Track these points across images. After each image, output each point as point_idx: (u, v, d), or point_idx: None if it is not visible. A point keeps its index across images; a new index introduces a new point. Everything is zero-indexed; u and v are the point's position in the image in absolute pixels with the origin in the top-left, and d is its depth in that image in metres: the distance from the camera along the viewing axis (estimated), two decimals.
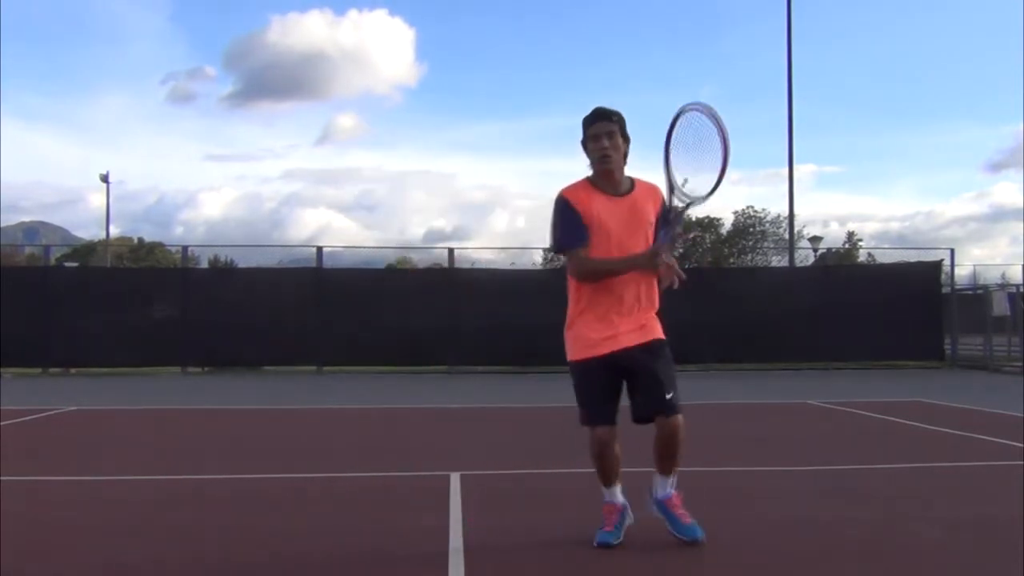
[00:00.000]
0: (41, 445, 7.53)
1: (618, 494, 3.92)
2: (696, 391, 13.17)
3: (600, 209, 3.78)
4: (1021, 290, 19.68)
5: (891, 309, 18.54)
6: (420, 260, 29.76)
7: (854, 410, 9.95)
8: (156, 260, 45.77)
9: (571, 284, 3.94)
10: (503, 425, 9.25)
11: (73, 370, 18.04)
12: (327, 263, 19.57)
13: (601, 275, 3.80)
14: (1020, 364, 17.44)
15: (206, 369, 18.34)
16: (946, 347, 19.47)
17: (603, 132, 3.76)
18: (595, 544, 3.76)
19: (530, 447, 7.40)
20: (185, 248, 20.51)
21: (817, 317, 18.58)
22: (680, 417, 3.78)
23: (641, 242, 3.80)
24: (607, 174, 3.81)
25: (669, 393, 3.76)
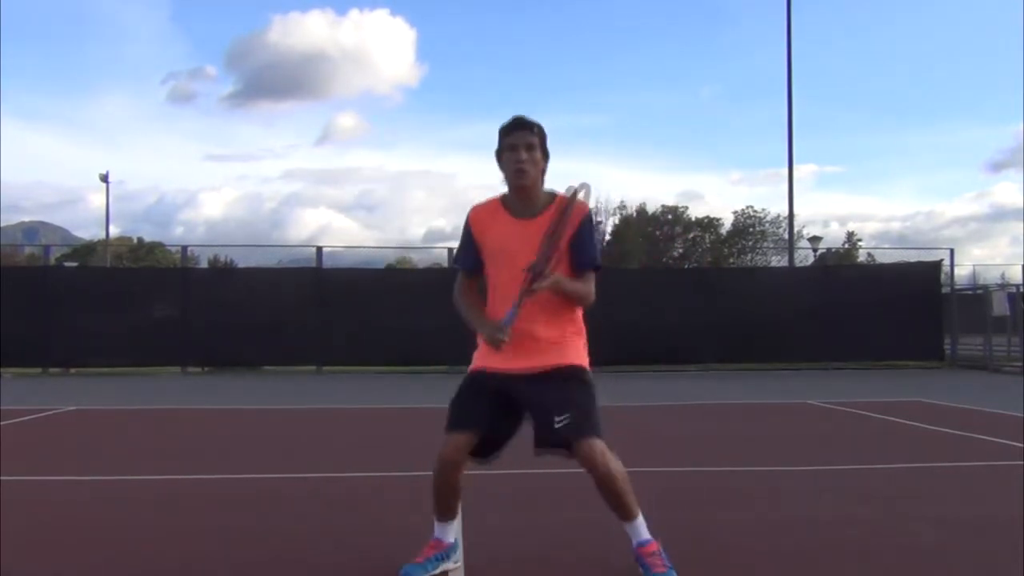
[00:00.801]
0: (41, 445, 7.53)
1: (449, 533, 3.55)
2: (696, 391, 13.20)
3: (501, 233, 3.38)
4: (1021, 290, 19.68)
5: (891, 309, 18.54)
6: (420, 260, 29.80)
7: (854, 410, 9.95)
8: (156, 260, 45.79)
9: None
10: None
11: (73, 370, 18.05)
12: (327, 263, 19.58)
13: (462, 315, 3.58)
14: (1020, 364, 17.44)
15: (206, 369, 18.35)
16: (946, 347, 19.47)
17: (521, 143, 3.32)
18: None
19: (530, 447, 7.37)
20: (185, 248, 20.54)
21: (817, 317, 18.59)
22: (589, 443, 3.27)
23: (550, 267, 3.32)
24: (521, 191, 3.37)
25: (558, 420, 3.31)
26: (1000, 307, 18.86)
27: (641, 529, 3.36)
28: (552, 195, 3.42)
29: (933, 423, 8.73)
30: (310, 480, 5.75)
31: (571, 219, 3.34)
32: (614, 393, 12.70)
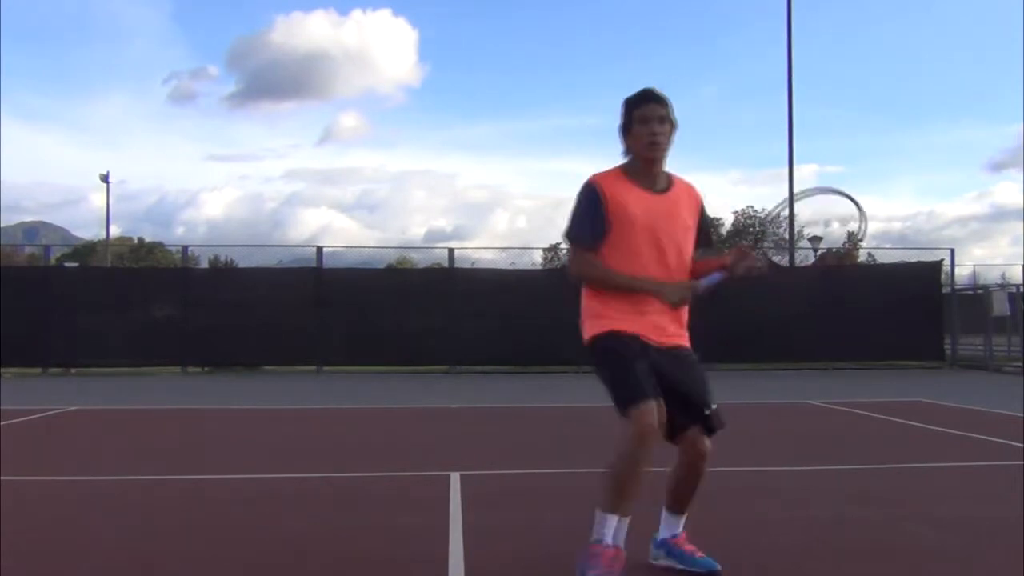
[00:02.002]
0: (41, 445, 7.53)
1: (623, 531, 3.24)
2: None
3: (635, 203, 3.29)
4: (1021, 290, 19.68)
5: (891, 309, 18.54)
6: (420, 260, 29.78)
7: (854, 410, 9.95)
8: (156, 260, 45.82)
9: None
10: (503, 425, 9.24)
11: (73, 370, 18.04)
12: (328, 263, 19.57)
13: (608, 286, 3.33)
14: (1020, 364, 17.44)
15: (206, 369, 18.34)
16: (946, 347, 19.47)
17: (654, 116, 3.26)
18: None
19: (530, 447, 7.39)
20: (185, 248, 20.54)
21: (817, 317, 18.58)
22: (713, 439, 3.32)
23: (675, 249, 3.35)
24: (649, 164, 3.32)
25: (710, 407, 3.30)
26: (1000, 307, 18.85)
27: (684, 519, 3.48)
28: (669, 175, 3.42)
29: (933, 423, 8.73)
30: (310, 480, 5.75)
31: (694, 195, 3.45)
32: None
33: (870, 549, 3.86)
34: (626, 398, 3.18)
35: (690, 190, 3.47)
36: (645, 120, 3.27)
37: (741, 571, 3.59)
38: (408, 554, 3.81)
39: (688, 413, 3.30)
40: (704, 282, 3.38)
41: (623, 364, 3.23)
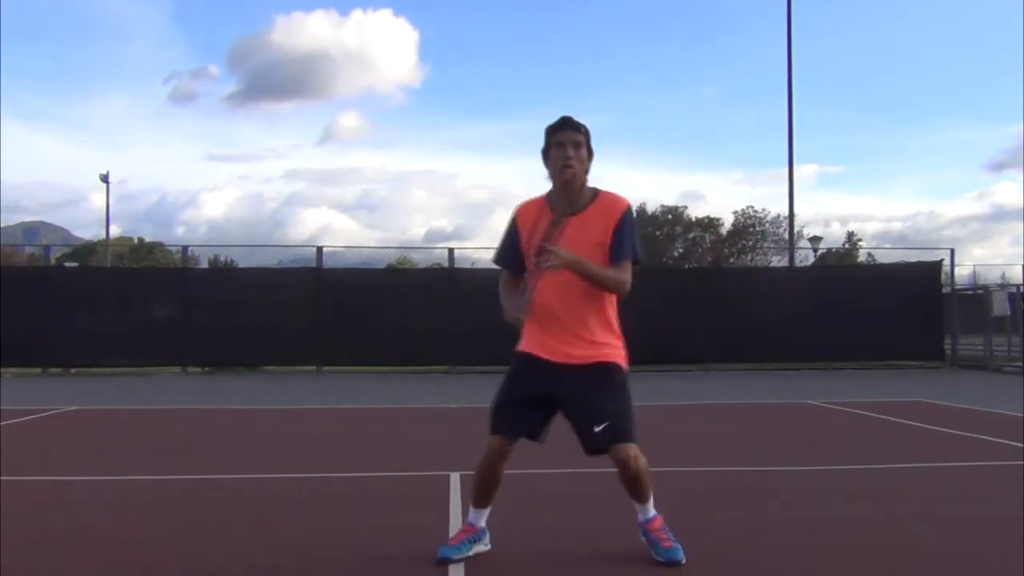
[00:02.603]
0: (41, 445, 7.53)
1: (482, 518, 3.74)
2: (696, 391, 13.20)
3: (540, 228, 3.54)
4: (1021, 290, 19.67)
5: (891, 309, 18.54)
6: (420, 260, 29.78)
7: (854, 410, 9.95)
8: (156, 260, 45.80)
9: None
10: None
11: (73, 370, 18.04)
12: (328, 263, 19.57)
13: (502, 298, 3.73)
14: (1020, 364, 17.44)
15: (206, 369, 18.34)
16: (946, 347, 19.47)
17: (569, 140, 3.49)
18: (436, 558, 3.59)
19: (530, 447, 7.37)
20: (185, 248, 20.53)
21: (817, 317, 18.58)
22: (623, 448, 3.50)
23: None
24: (566, 186, 3.52)
25: (599, 425, 3.49)
26: (1000, 307, 18.85)
27: (649, 507, 3.67)
28: (595, 191, 3.59)
29: (933, 423, 8.73)
30: (310, 480, 5.75)
31: (612, 211, 3.53)
32: None
33: (870, 549, 3.86)
34: (490, 423, 3.71)
35: (611, 207, 3.56)
36: (560, 145, 3.50)
37: (741, 571, 3.60)
38: (408, 554, 3.81)
39: (582, 431, 3.57)
40: (522, 297, 3.60)
41: (503, 393, 3.68)
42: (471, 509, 3.75)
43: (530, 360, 3.59)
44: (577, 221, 3.52)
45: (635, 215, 3.70)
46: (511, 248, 3.66)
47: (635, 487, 3.60)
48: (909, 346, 18.96)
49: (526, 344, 3.63)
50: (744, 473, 5.93)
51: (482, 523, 3.75)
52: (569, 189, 3.54)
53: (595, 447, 3.54)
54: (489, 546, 3.78)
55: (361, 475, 5.92)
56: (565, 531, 4.28)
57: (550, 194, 3.62)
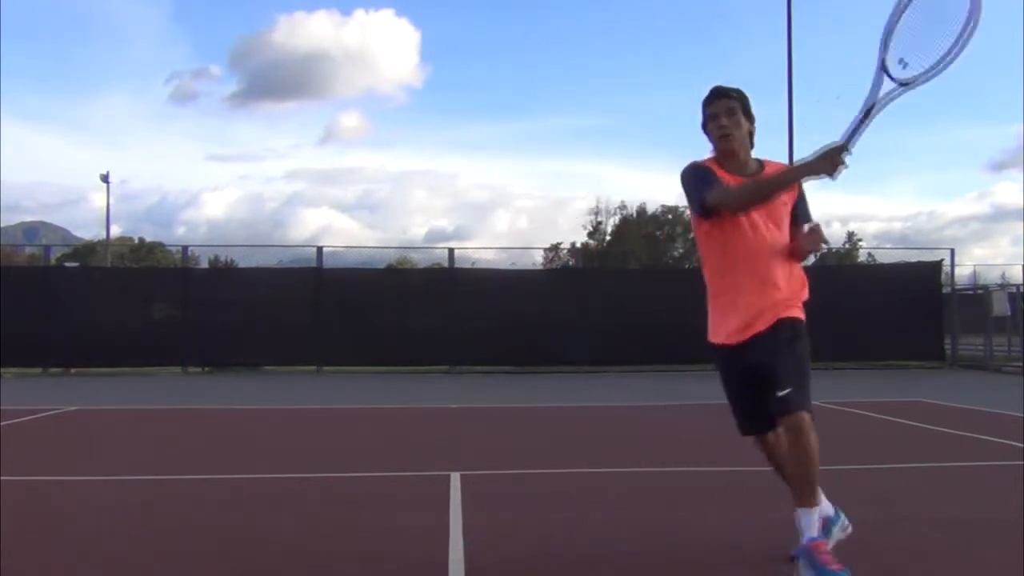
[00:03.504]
0: (41, 445, 7.53)
1: (815, 519, 3.30)
2: (697, 391, 13.18)
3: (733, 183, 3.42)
4: (1021, 290, 19.67)
5: (891, 309, 18.53)
6: (421, 260, 29.81)
7: (855, 410, 9.95)
8: (156, 260, 45.81)
9: (704, 265, 3.63)
10: (503, 425, 9.24)
11: (73, 370, 18.05)
12: (328, 263, 19.57)
13: (764, 191, 3.38)
14: (1020, 364, 17.43)
15: (206, 369, 18.34)
16: (946, 347, 19.46)
17: (722, 110, 3.44)
18: None
19: (530, 447, 7.39)
20: (185, 248, 20.53)
21: (817, 317, 18.38)
22: (798, 417, 3.22)
23: (776, 228, 3.45)
24: (730, 154, 3.46)
25: (783, 390, 3.26)
26: (1000, 307, 18.85)
27: (816, 520, 3.30)
28: (760, 161, 3.54)
29: (933, 423, 8.73)
30: (310, 480, 5.75)
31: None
32: (615, 392, 12.70)
33: (870, 549, 3.86)
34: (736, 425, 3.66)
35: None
36: (714, 116, 3.45)
37: (742, 571, 3.59)
38: (408, 554, 3.81)
39: (767, 404, 3.34)
40: (845, 135, 3.29)
41: (727, 394, 3.68)
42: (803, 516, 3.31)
43: (722, 356, 3.64)
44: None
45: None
46: (718, 178, 3.42)
47: (798, 470, 3.34)
48: (909, 346, 18.95)
49: (714, 335, 3.63)
50: (744, 473, 5.92)
51: (827, 511, 3.54)
52: (734, 155, 3.47)
53: (778, 410, 3.33)
54: (848, 527, 3.69)
55: (361, 475, 5.92)
56: (566, 531, 4.27)
57: (717, 159, 3.51)
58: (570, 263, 50.08)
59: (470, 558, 3.66)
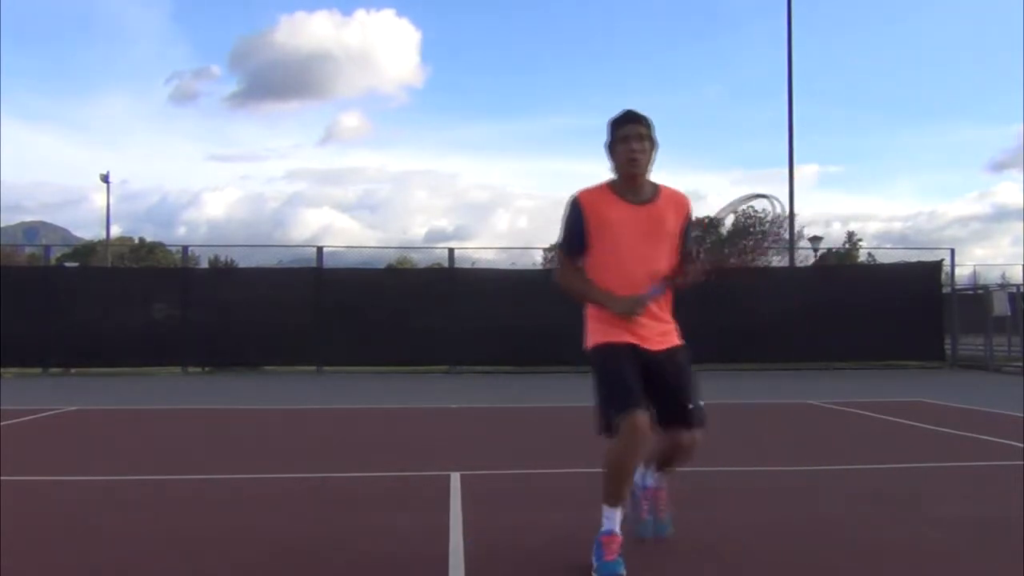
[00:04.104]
0: (41, 445, 7.53)
1: (618, 520, 3.48)
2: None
3: (616, 216, 3.57)
4: (1021, 290, 19.67)
5: (891, 309, 18.53)
6: (421, 260, 29.82)
7: (855, 410, 9.95)
8: (156, 260, 45.83)
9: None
10: (503, 425, 9.24)
11: (73, 370, 18.05)
12: (329, 263, 19.57)
13: (572, 295, 3.68)
14: (1020, 364, 17.44)
15: (206, 369, 18.34)
16: (946, 347, 19.46)
17: (634, 134, 3.55)
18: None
19: (530, 447, 7.39)
20: (185, 248, 20.54)
21: (817, 317, 18.57)
22: (700, 433, 3.65)
23: (662, 254, 3.58)
24: (632, 179, 3.59)
25: (691, 404, 3.60)
26: (1000, 307, 18.85)
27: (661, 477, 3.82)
28: (654, 184, 3.67)
29: (933, 423, 8.73)
30: (310, 480, 5.75)
31: (681, 205, 3.69)
32: None
33: (871, 549, 3.86)
34: (617, 407, 3.42)
35: (675, 197, 3.70)
36: (625, 139, 3.55)
37: (742, 571, 3.60)
38: (408, 554, 3.81)
39: (672, 411, 3.58)
40: (649, 292, 3.54)
41: (613, 374, 3.51)
42: (607, 512, 3.49)
43: (624, 346, 3.60)
44: (652, 210, 3.60)
45: None
46: (579, 234, 3.61)
47: (677, 466, 3.78)
48: (909, 346, 18.96)
49: (612, 335, 3.60)
50: (744, 473, 5.93)
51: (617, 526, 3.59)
52: (635, 181, 3.60)
53: (682, 422, 3.60)
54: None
55: (361, 475, 5.92)
56: (565, 531, 4.27)
57: (612, 184, 3.64)
58: None
59: (470, 558, 3.66)
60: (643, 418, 3.39)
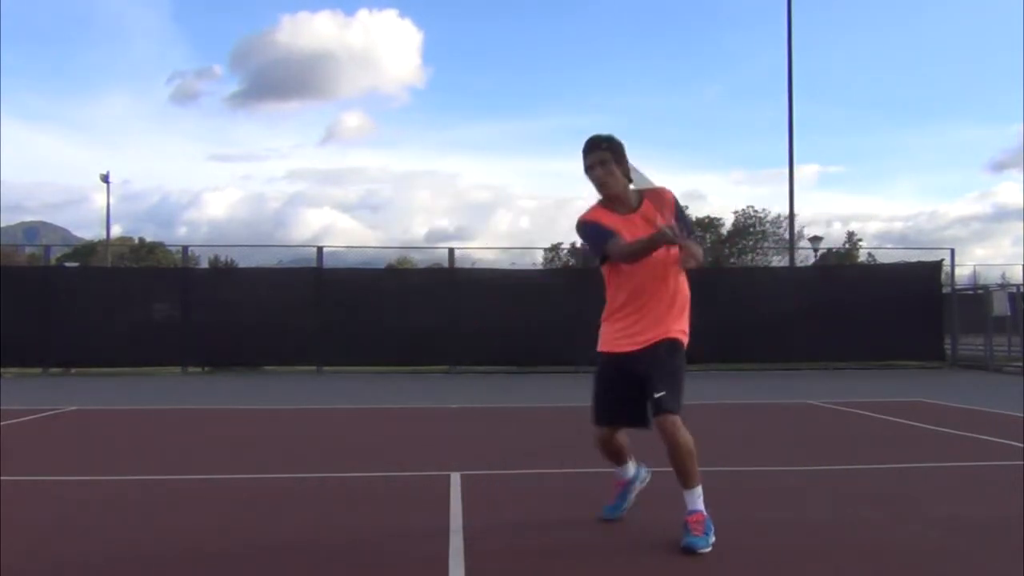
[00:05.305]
0: (41, 445, 7.53)
1: (628, 470, 4.26)
2: (696, 391, 13.19)
3: (616, 224, 3.90)
4: (1021, 290, 19.67)
5: (891, 309, 18.53)
6: (421, 260, 29.83)
7: (854, 410, 9.95)
8: (156, 260, 45.84)
9: (607, 285, 4.08)
10: (503, 425, 9.24)
11: (73, 370, 18.04)
12: (329, 263, 19.58)
13: (637, 253, 3.84)
14: (1020, 364, 17.43)
15: (206, 369, 18.34)
16: (946, 347, 19.46)
17: (596, 162, 3.87)
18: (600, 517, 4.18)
19: (530, 447, 7.39)
20: (185, 248, 20.55)
21: (817, 317, 18.57)
22: (670, 418, 3.80)
23: (661, 251, 3.84)
24: (613, 197, 3.93)
25: (659, 392, 3.80)
26: (1000, 307, 18.84)
27: (695, 499, 3.84)
28: (639, 193, 3.98)
29: (933, 423, 8.73)
30: (310, 480, 5.75)
31: (666, 200, 3.95)
32: None
33: (870, 549, 3.86)
34: (592, 418, 4.14)
35: (658, 195, 3.98)
36: (590, 168, 3.90)
37: (741, 571, 3.60)
38: (408, 554, 3.81)
39: (649, 402, 3.86)
40: (667, 228, 3.73)
41: (596, 388, 4.11)
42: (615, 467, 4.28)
43: (609, 359, 4.06)
44: (643, 214, 3.91)
45: None
46: (605, 228, 3.89)
47: (676, 464, 3.87)
48: (909, 346, 18.95)
49: (604, 344, 4.09)
50: (743, 473, 5.93)
51: (630, 473, 4.30)
52: (617, 198, 3.93)
53: (657, 407, 3.86)
54: (648, 479, 4.39)
55: (361, 475, 5.92)
56: (565, 530, 4.27)
57: (602, 202, 3.99)
58: (570, 263, 50.05)
59: (470, 557, 3.66)
60: (601, 432, 4.10)
